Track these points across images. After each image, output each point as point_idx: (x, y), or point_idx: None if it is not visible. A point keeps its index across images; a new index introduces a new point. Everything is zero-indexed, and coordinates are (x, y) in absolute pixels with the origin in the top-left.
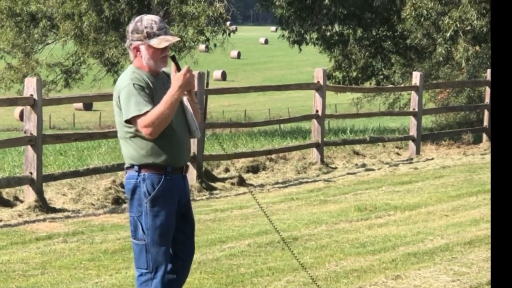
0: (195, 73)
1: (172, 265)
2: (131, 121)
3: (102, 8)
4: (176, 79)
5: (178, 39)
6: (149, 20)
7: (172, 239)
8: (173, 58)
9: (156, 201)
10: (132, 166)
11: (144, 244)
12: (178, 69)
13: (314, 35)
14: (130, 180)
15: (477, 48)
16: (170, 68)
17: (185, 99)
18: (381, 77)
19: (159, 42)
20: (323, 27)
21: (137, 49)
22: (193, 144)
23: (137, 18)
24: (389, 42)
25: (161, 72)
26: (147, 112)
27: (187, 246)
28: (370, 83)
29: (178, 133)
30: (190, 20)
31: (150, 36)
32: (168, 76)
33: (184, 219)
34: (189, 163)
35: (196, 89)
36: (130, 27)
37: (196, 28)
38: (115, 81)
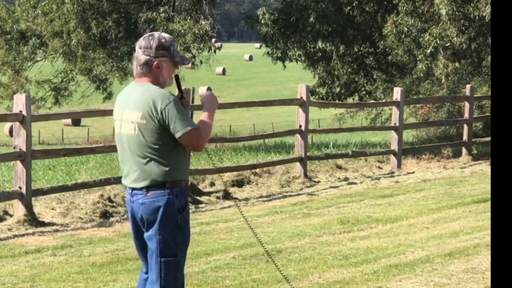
0: None
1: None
2: (181, 136)
3: (90, 26)
4: (214, 102)
5: (192, 61)
6: (170, 39)
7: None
8: (177, 78)
9: (186, 215)
10: (163, 183)
11: (176, 261)
12: (179, 87)
13: (298, 52)
14: (160, 198)
15: (457, 64)
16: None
17: None
18: (364, 92)
19: (182, 60)
20: (308, 44)
21: (158, 65)
22: None
23: (155, 35)
24: (371, 59)
25: None
26: (198, 127)
27: None
28: (353, 99)
29: (188, 151)
30: (176, 38)
31: (174, 54)
32: None
33: None
34: None
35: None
36: (153, 43)
37: (183, 45)
38: (105, 98)
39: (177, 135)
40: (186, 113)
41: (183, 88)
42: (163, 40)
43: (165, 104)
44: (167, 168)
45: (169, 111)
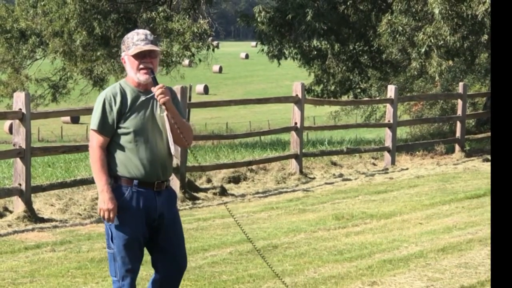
0: (178, 87)
1: (157, 277)
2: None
3: (92, 25)
4: (101, 202)
5: (152, 48)
6: (133, 32)
7: (150, 253)
8: (151, 74)
9: (121, 212)
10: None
11: (112, 253)
12: (155, 83)
13: (294, 50)
14: None
15: (450, 62)
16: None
17: (165, 114)
18: (358, 90)
19: (133, 50)
20: (303, 42)
21: (124, 60)
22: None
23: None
24: (366, 57)
25: (151, 90)
26: (101, 134)
27: (168, 259)
28: (348, 96)
29: (151, 149)
30: (176, 36)
31: (129, 46)
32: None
33: (161, 233)
34: (170, 179)
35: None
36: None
37: (182, 43)
38: None
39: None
40: (103, 117)
41: (176, 87)
42: (125, 36)
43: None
44: (109, 162)
45: (94, 106)
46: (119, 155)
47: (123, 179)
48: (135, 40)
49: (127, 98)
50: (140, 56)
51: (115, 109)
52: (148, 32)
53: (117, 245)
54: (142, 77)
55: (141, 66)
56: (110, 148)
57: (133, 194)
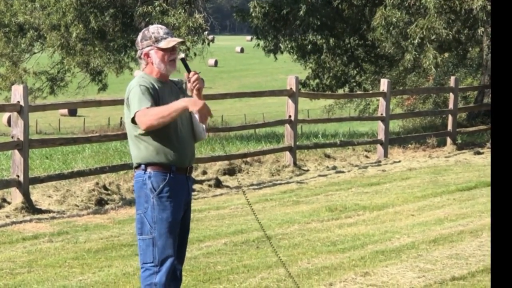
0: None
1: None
2: (135, 119)
3: (89, 20)
4: (193, 103)
5: (182, 40)
6: (154, 27)
7: None
8: (183, 60)
9: (162, 196)
10: (139, 165)
11: (151, 238)
12: (188, 70)
13: (290, 44)
14: (138, 179)
15: (445, 55)
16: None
17: None
18: (354, 84)
19: (167, 42)
20: (299, 36)
21: (147, 55)
22: None
23: (144, 29)
24: (360, 51)
25: (169, 81)
26: (147, 108)
27: (184, 241)
28: (344, 90)
29: (182, 134)
30: (171, 31)
31: (158, 40)
32: (176, 85)
33: (184, 217)
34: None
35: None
36: (139, 37)
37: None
38: (99, 89)
39: (132, 117)
40: (143, 97)
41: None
42: (146, 32)
43: (129, 91)
44: (141, 152)
45: (130, 97)
46: (155, 142)
47: (161, 165)
48: (162, 34)
49: (157, 89)
50: (170, 49)
51: (153, 94)
52: (164, 26)
53: (159, 230)
54: (172, 68)
55: (171, 58)
56: (145, 137)
57: (171, 179)
